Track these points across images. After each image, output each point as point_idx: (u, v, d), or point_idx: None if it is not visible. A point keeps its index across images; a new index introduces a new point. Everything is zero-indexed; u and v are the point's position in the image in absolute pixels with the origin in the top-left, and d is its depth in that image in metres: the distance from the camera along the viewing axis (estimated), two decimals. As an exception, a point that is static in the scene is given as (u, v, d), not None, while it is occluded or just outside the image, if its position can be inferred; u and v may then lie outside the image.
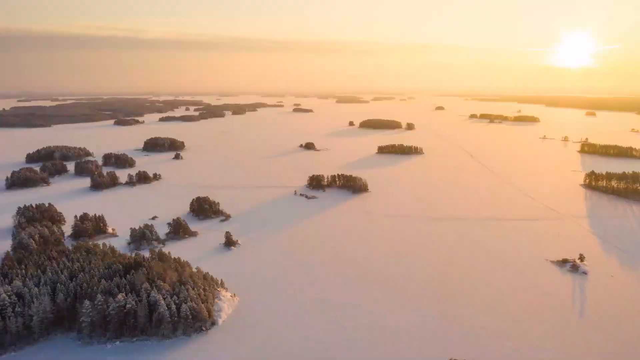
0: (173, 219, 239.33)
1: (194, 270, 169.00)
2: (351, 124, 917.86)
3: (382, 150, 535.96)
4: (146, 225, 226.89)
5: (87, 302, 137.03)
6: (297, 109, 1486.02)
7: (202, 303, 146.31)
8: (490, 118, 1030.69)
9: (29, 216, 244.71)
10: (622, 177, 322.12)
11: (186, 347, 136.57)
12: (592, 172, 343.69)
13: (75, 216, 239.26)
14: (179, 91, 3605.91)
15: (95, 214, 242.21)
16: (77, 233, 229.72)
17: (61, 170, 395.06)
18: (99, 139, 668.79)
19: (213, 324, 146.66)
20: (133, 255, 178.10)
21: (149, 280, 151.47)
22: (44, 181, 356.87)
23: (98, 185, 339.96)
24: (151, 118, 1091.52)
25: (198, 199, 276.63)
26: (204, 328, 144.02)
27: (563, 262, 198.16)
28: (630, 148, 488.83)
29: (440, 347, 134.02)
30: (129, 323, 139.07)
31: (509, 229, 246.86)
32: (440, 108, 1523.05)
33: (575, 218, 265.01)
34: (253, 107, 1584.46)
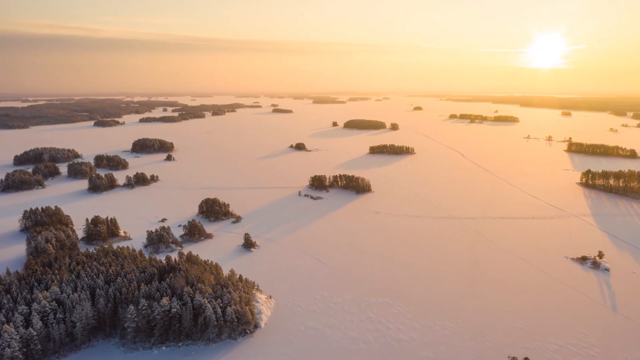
0: (189, 221, 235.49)
1: (227, 272, 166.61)
2: (335, 124, 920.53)
3: (374, 150, 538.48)
4: (162, 228, 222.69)
5: (131, 307, 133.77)
6: (277, 110, 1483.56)
7: (245, 306, 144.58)
8: (471, 118, 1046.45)
9: (37, 220, 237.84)
10: (618, 175, 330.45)
11: (234, 350, 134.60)
12: (589, 171, 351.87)
13: (87, 219, 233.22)
14: (149, 92, 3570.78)
15: (107, 217, 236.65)
16: (90, 236, 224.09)
17: (54, 173, 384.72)
18: (82, 140, 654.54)
19: (256, 326, 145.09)
20: (159, 258, 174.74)
21: (188, 283, 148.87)
22: (39, 184, 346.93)
23: (96, 187, 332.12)
24: (130, 119, 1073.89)
25: (207, 200, 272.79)
26: (248, 331, 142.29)
27: (583, 259, 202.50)
28: (617, 147, 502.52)
29: (491, 345, 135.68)
30: (174, 327, 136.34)
31: (521, 227, 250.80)
32: (418, 108, 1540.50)
33: (582, 216, 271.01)
34: (231, 107, 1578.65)
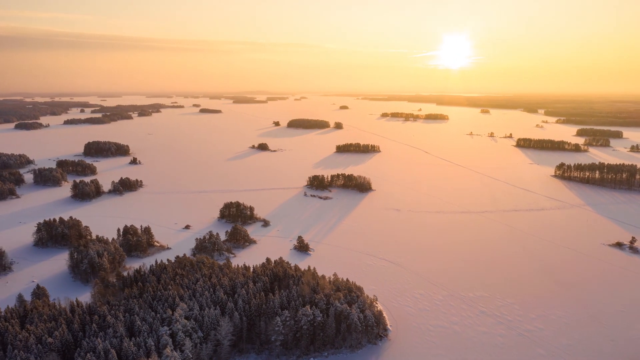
0: (232, 227, 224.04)
1: (330, 277, 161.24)
2: (277, 123, 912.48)
3: (340, 149, 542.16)
4: (211, 235, 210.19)
5: (278, 319, 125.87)
6: (203, 110, 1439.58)
7: (378, 309, 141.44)
8: (404, 116, 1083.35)
9: (57, 232, 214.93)
10: (592, 167, 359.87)
11: (384, 355, 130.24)
12: (562, 164, 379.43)
13: (118, 229, 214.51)
14: (49, 92, 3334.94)
15: (141, 226, 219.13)
16: (130, 247, 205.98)
17: (19, 181, 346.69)
18: (18, 144, 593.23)
19: (385, 329, 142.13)
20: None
21: (311, 291, 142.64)
22: (12, 193, 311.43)
23: (84, 194, 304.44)
24: (52, 121, 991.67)
25: (230, 204, 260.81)
26: (382, 335, 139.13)
27: (618, 245, 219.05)
28: (562, 142, 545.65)
29: (612, 328, 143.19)
30: (318, 337, 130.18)
31: (539, 218, 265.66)
32: (344, 107, 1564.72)
33: (581, 206, 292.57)
34: (154, 108, 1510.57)
